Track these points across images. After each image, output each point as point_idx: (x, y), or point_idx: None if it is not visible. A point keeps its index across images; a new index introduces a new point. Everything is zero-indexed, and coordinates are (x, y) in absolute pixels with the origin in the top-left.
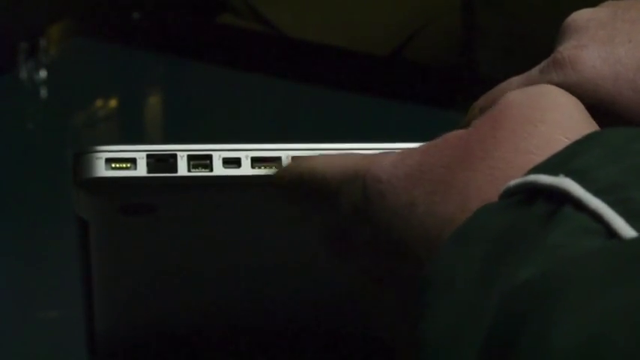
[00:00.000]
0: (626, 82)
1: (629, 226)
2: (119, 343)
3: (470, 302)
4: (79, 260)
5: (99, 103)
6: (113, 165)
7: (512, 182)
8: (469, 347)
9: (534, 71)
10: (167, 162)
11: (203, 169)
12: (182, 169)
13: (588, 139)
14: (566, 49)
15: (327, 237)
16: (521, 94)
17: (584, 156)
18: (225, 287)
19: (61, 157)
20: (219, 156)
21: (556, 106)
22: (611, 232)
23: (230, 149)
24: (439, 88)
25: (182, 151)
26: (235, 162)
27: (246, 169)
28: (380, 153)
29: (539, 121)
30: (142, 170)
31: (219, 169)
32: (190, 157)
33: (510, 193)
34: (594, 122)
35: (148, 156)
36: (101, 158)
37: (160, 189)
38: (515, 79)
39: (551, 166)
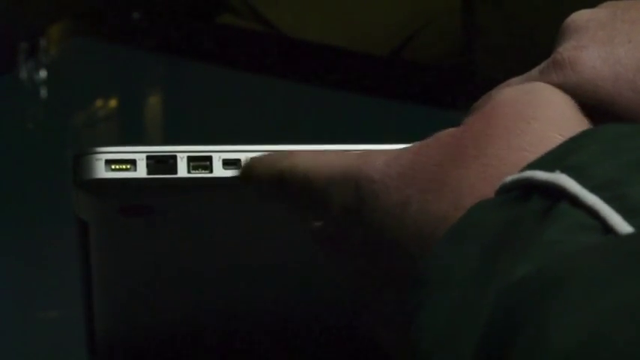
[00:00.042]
0: (626, 83)
1: (626, 222)
2: (119, 343)
3: (466, 300)
4: (79, 260)
5: (99, 103)
6: (113, 166)
7: (508, 178)
8: (465, 346)
9: (534, 72)
10: (167, 163)
11: (203, 171)
12: (182, 171)
13: (584, 135)
14: (565, 49)
15: (317, 237)
16: (514, 91)
17: (580, 152)
18: (224, 288)
19: (61, 157)
20: (219, 157)
21: (549, 104)
22: (607, 228)
23: (230, 150)
24: (439, 88)
25: (182, 153)
26: (235, 163)
27: None
28: (371, 153)
29: (532, 118)
30: (141, 171)
31: (219, 171)
32: (190, 159)
33: (506, 190)
34: (586, 120)
35: (148, 157)
36: (101, 159)
37: (160, 190)
38: (514, 80)
39: (547, 162)
